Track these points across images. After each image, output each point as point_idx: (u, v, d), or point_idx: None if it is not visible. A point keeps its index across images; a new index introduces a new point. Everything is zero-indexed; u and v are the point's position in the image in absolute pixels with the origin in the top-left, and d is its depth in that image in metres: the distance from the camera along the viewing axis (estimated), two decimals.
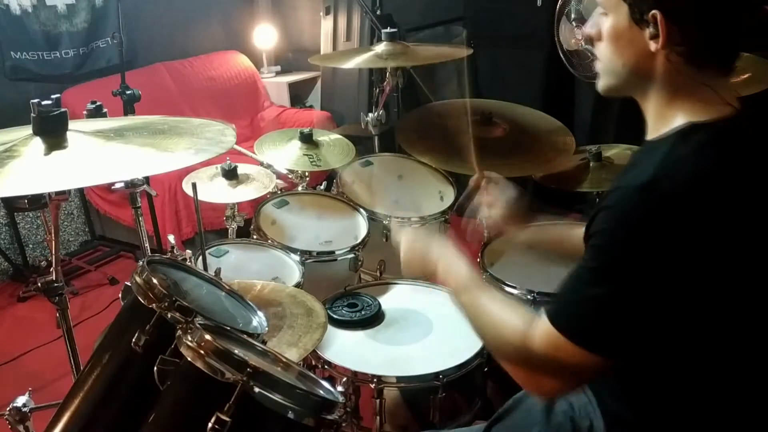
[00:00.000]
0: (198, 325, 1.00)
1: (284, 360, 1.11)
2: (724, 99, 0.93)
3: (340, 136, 2.41)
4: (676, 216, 0.85)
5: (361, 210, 2.12)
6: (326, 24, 4.48)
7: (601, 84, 1.05)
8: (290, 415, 0.94)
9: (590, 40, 1.04)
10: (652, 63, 0.95)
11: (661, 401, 0.99)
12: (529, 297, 1.64)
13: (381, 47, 2.32)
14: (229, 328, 1.11)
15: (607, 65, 1.02)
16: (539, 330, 0.94)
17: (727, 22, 0.90)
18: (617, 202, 0.89)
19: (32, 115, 1.26)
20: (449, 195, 2.25)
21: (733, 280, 0.89)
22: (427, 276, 1.23)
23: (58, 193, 1.45)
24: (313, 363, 1.55)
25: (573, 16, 2.65)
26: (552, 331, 0.92)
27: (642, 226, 0.86)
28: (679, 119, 0.94)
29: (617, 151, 2.14)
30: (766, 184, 0.92)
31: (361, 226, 2.08)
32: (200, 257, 1.75)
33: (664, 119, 0.97)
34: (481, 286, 1.12)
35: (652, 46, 0.93)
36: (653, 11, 0.90)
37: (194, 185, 1.63)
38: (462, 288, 1.12)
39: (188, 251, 1.70)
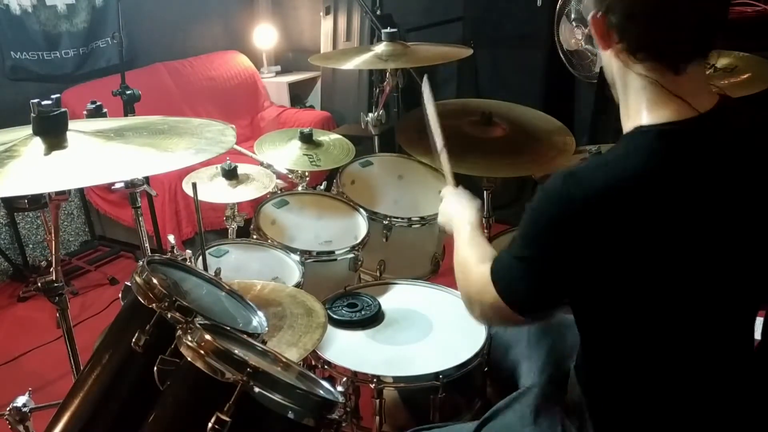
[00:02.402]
0: (198, 325, 1.00)
1: (284, 360, 1.11)
2: (679, 98, 0.93)
3: (340, 136, 2.41)
4: (583, 206, 0.90)
5: (361, 210, 2.12)
6: (326, 24, 4.48)
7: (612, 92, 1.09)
8: (290, 415, 0.94)
9: None
10: (611, 63, 1.00)
11: (649, 400, 1.00)
12: None
13: (381, 47, 2.32)
14: (229, 328, 1.11)
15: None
16: (484, 271, 1.05)
17: (652, 17, 0.91)
18: (547, 183, 0.96)
19: (32, 115, 1.26)
20: None
21: (652, 277, 0.93)
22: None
23: (58, 193, 1.45)
24: (313, 363, 1.55)
25: (573, 16, 2.65)
26: (487, 275, 1.04)
27: (555, 208, 0.94)
28: (639, 120, 0.96)
29: None
30: (698, 192, 0.92)
31: (361, 226, 2.08)
32: (200, 257, 1.75)
33: (627, 119, 0.99)
34: (464, 233, 1.25)
35: (601, 44, 0.98)
36: (591, 12, 0.96)
37: (194, 185, 1.64)
38: (457, 246, 1.25)
39: (188, 251, 1.70)
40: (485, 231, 2.18)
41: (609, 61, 1.00)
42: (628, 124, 0.98)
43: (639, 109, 0.96)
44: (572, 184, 0.92)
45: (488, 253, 1.13)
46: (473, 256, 1.15)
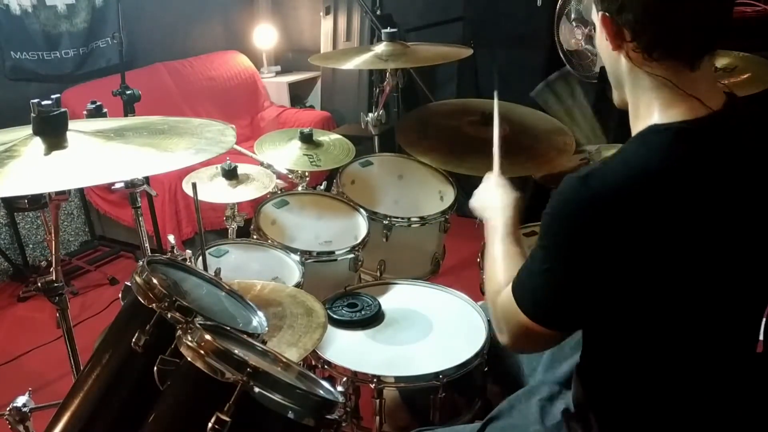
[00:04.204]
0: (198, 325, 1.00)
1: (284, 360, 1.11)
2: (690, 93, 0.92)
3: (340, 136, 2.41)
4: (604, 209, 0.89)
5: (361, 210, 2.12)
6: (326, 24, 4.48)
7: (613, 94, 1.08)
8: (290, 415, 0.94)
9: None
10: (619, 63, 0.98)
11: (654, 399, 1.00)
12: None
13: (381, 47, 2.32)
14: (229, 328, 1.11)
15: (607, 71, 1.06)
16: (506, 292, 1.03)
17: (667, 13, 0.90)
18: (561, 188, 0.94)
19: (32, 115, 1.26)
20: (449, 195, 2.24)
21: (669, 278, 0.92)
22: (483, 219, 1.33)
23: (58, 193, 1.45)
24: (313, 363, 1.55)
25: (573, 16, 2.65)
26: (511, 297, 1.02)
27: (575, 214, 0.91)
28: (651, 119, 0.95)
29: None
30: (715, 191, 0.91)
31: (361, 226, 2.08)
32: (200, 257, 1.74)
33: (638, 119, 0.99)
34: (498, 240, 1.20)
35: (610, 46, 0.96)
36: (600, 12, 0.95)
37: (194, 185, 1.64)
38: (488, 242, 1.23)
39: (188, 251, 1.70)
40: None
41: (616, 61, 0.99)
42: (638, 124, 0.97)
43: (650, 108, 0.95)
44: (590, 186, 0.90)
45: (513, 265, 1.09)
46: (503, 277, 1.11)
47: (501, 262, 1.15)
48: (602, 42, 0.99)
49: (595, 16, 0.99)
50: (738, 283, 0.97)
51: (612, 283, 0.92)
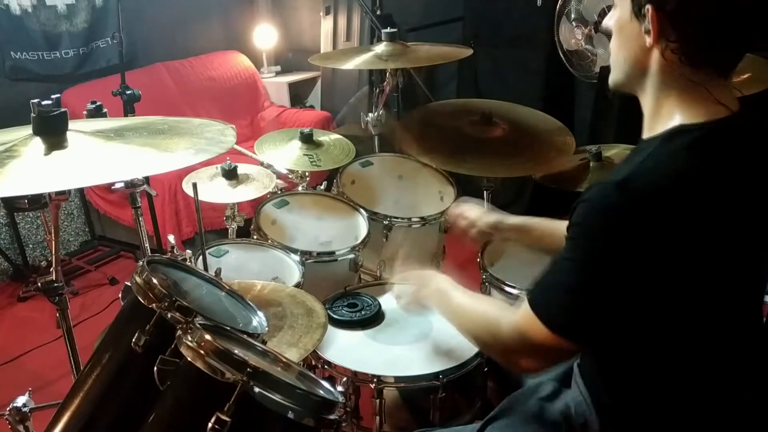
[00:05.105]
0: (198, 325, 1.00)
1: (284, 360, 1.11)
2: (719, 100, 0.92)
3: (340, 136, 2.41)
4: (647, 213, 0.87)
5: (361, 210, 2.12)
6: (326, 24, 4.48)
7: (610, 78, 1.06)
8: (290, 415, 0.94)
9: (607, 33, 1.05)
10: (649, 58, 0.96)
11: (654, 398, 1.00)
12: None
13: (381, 47, 2.32)
14: (229, 328, 1.11)
15: (613, 58, 1.04)
16: (520, 312, 1.00)
17: (723, 23, 0.89)
18: (594, 196, 0.92)
19: (32, 115, 1.26)
20: (449, 195, 2.24)
21: (702, 279, 0.91)
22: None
23: (58, 193, 1.45)
24: (313, 363, 1.55)
25: (573, 16, 2.65)
26: (530, 314, 0.98)
27: (614, 221, 0.89)
28: (673, 119, 0.95)
29: (617, 151, 2.14)
30: (745, 188, 0.92)
31: (361, 226, 2.08)
32: (200, 257, 1.74)
33: (658, 118, 0.98)
34: (454, 293, 1.23)
35: (647, 41, 0.94)
36: (647, 5, 0.91)
37: (194, 185, 1.63)
38: (442, 304, 1.26)
39: (188, 251, 1.70)
40: None
41: (644, 52, 0.96)
42: (657, 123, 0.97)
43: (674, 108, 0.95)
44: (630, 191, 0.88)
45: (499, 303, 1.10)
46: (490, 310, 1.11)
47: (478, 302, 1.18)
48: (630, 29, 0.96)
49: (622, 1, 0.97)
50: (753, 278, 0.97)
51: (646, 288, 0.90)
